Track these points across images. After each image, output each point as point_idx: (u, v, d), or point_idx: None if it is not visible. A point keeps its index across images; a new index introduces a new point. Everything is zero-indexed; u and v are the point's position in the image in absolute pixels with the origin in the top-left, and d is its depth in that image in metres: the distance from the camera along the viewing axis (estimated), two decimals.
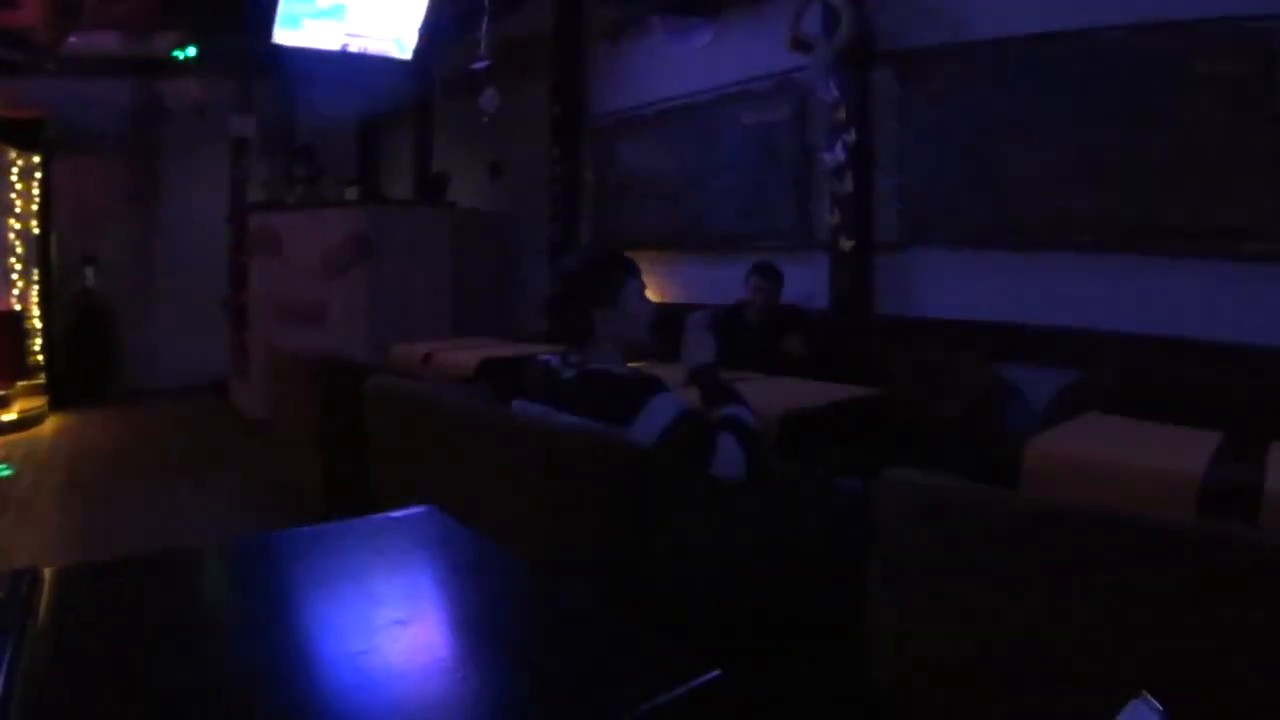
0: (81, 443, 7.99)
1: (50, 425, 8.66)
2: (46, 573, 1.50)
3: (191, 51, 9.74)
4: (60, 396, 9.43)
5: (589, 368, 2.72)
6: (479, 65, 6.88)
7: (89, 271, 10.45)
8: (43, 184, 9.85)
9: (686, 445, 2.51)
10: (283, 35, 8.06)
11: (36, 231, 9.75)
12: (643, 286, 2.88)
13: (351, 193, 8.80)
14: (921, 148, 5.89)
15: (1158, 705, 1.08)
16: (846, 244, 6.15)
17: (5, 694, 1.09)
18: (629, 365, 2.85)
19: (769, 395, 3.63)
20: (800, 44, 6.10)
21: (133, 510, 5.93)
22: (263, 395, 7.67)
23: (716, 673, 1.21)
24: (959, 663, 1.97)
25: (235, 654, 1.33)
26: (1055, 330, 5.23)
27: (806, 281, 6.35)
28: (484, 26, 6.81)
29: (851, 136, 6.10)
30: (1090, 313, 5.11)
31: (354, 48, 8.50)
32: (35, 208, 9.76)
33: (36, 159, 9.76)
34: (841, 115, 6.14)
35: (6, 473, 6.58)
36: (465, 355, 5.28)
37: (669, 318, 2.98)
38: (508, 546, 1.73)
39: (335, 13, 8.24)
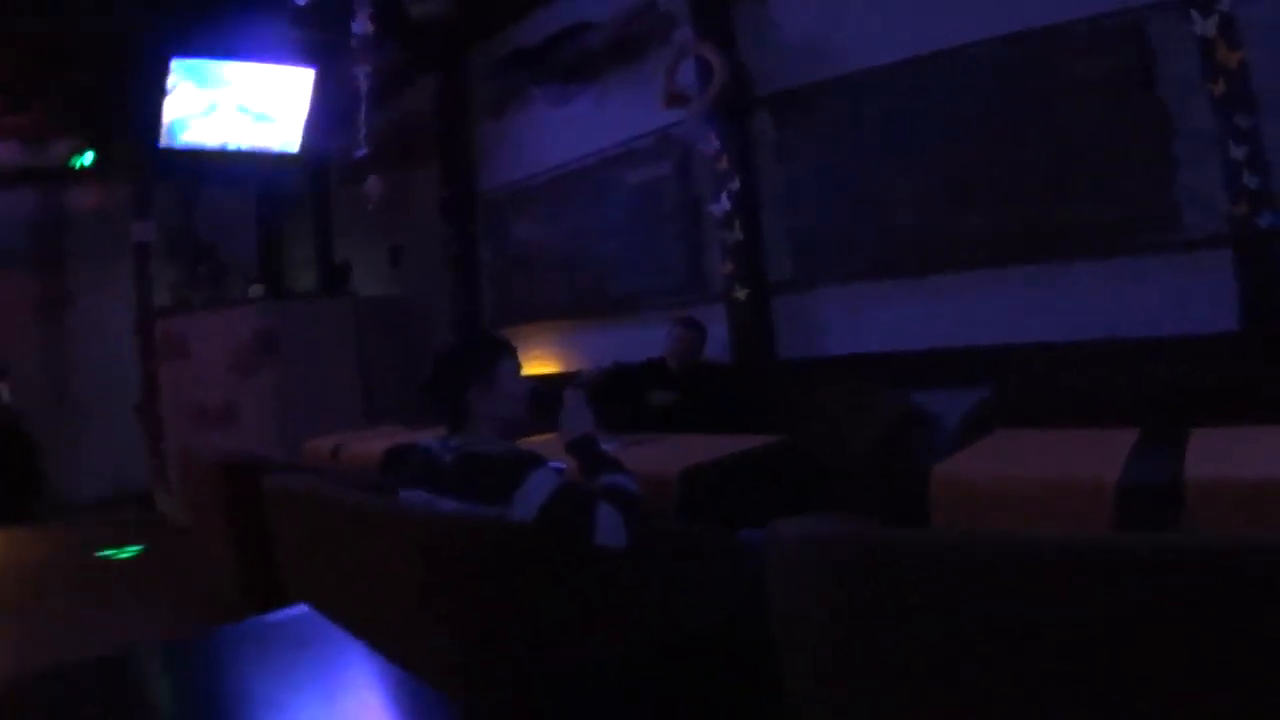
0: (8, 560, 7.78)
1: None
2: None
3: (88, 158, 9.63)
4: None
5: (466, 450, 2.68)
6: (359, 154, 6.87)
7: (3, 387, 10.15)
8: None
9: (566, 518, 2.47)
10: (171, 138, 8.06)
11: None
12: (518, 366, 2.88)
13: (256, 290, 8.72)
14: (806, 187, 5.94)
15: None
16: (741, 292, 6.16)
17: None
18: (510, 442, 2.82)
19: (669, 454, 3.61)
20: (676, 99, 6.13)
21: (56, 627, 5.74)
22: (183, 501, 7.55)
23: None
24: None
25: None
26: (961, 351, 5.26)
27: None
28: (361, 115, 6.80)
29: (736, 184, 6.14)
30: (994, 328, 5.14)
31: (243, 145, 8.51)
32: None
33: None
34: (724, 164, 6.18)
35: None
36: (373, 445, 5.24)
37: (547, 397, 2.97)
38: (401, 637, 1.68)
39: (221, 112, 8.26)
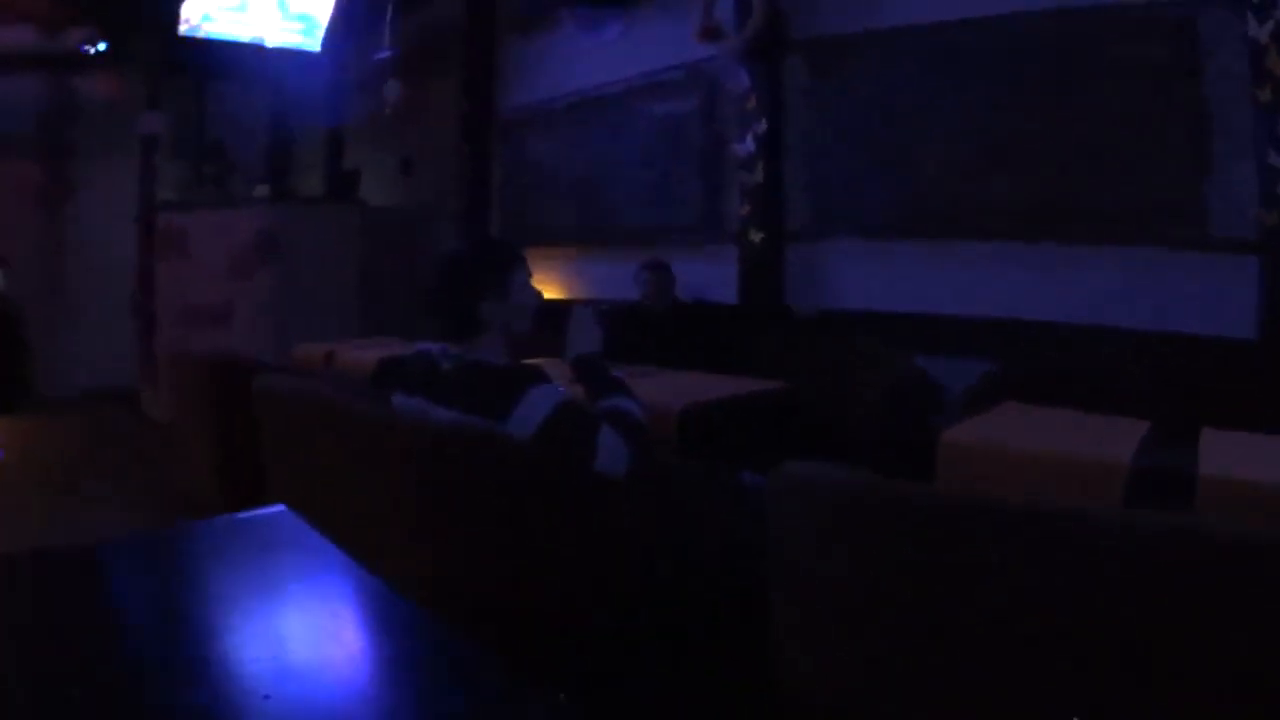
0: None
1: None
2: None
3: (102, 46, 9.43)
4: None
5: (466, 359, 2.58)
6: (383, 55, 6.74)
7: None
8: None
9: (565, 439, 2.37)
10: (190, 29, 7.89)
11: None
12: (529, 275, 2.76)
13: (261, 191, 8.60)
14: (834, 137, 5.82)
15: None
16: (756, 235, 6.08)
17: None
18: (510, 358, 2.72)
19: (669, 389, 3.53)
20: (711, 33, 6.03)
21: (29, 517, 5.73)
22: (169, 399, 7.50)
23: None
24: (868, 668, 1.82)
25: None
26: (971, 320, 5.18)
27: (716, 273, 6.28)
28: (388, 16, 6.67)
29: (762, 126, 6.03)
30: (1007, 302, 5.07)
31: (262, 40, 8.36)
32: None
33: None
34: (752, 105, 6.07)
35: None
36: (367, 354, 5.15)
37: (556, 313, 2.87)
38: (381, 548, 1.61)
39: (242, 5, 8.09)
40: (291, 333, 7.13)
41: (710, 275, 6.28)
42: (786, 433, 3.93)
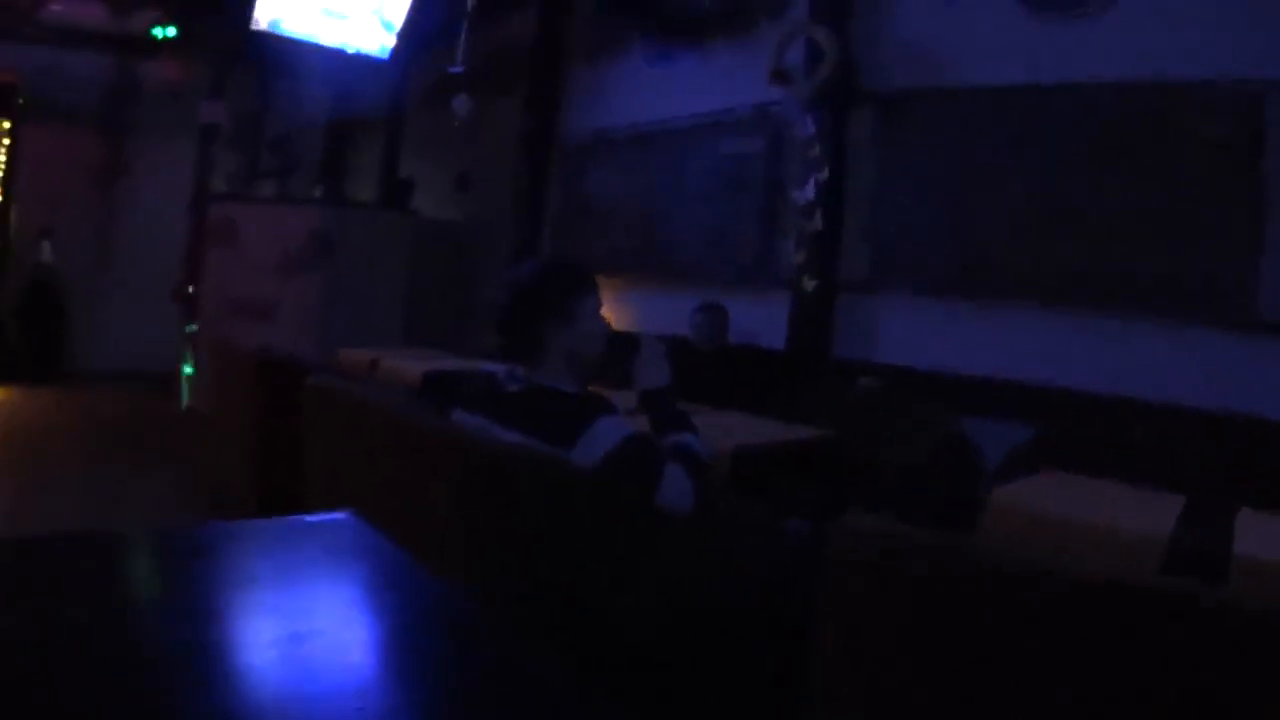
0: (21, 419, 7.87)
1: None
2: None
3: (171, 31, 9.59)
4: (5, 370, 9.28)
5: (535, 383, 2.57)
6: (454, 70, 6.80)
7: (45, 246, 10.12)
8: (9, 151, 9.70)
9: (632, 472, 2.36)
10: (264, 21, 7.94)
11: None
12: (599, 303, 2.72)
13: (318, 191, 8.68)
14: (894, 191, 5.87)
15: None
16: (810, 283, 6.09)
17: None
18: (581, 384, 2.71)
19: (722, 428, 3.52)
20: (781, 77, 6.05)
21: (63, 494, 5.78)
22: (209, 389, 7.54)
23: None
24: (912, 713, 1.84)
25: (106, 650, 1.16)
26: (1016, 384, 5.21)
27: (765, 318, 6.30)
28: (463, 32, 6.72)
29: (824, 174, 6.04)
30: (1054, 368, 5.11)
31: (334, 42, 8.39)
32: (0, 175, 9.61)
33: (6, 125, 9.64)
34: (816, 152, 6.07)
35: None
36: (412, 365, 5.16)
37: (624, 344, 2.86)
38: (435, 561, 1.60)
39: (318, 4, 8.16)
40: (335, 335, 7.18)
41: (760, 319, 6.29)
42: (829, 482, 3.92)
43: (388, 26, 8.52)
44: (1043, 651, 1.68)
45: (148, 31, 9.71)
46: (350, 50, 8.49)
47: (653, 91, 7.60)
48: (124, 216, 10.74)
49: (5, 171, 9.66)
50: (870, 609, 1.92)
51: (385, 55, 8.71)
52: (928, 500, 4.22)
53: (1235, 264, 4.53)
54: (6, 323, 9.80)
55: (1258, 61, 4.51)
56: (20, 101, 9.69)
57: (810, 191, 6.07)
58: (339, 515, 1.80)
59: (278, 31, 8.05)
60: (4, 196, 9.66)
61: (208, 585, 1.47)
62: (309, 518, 1.81)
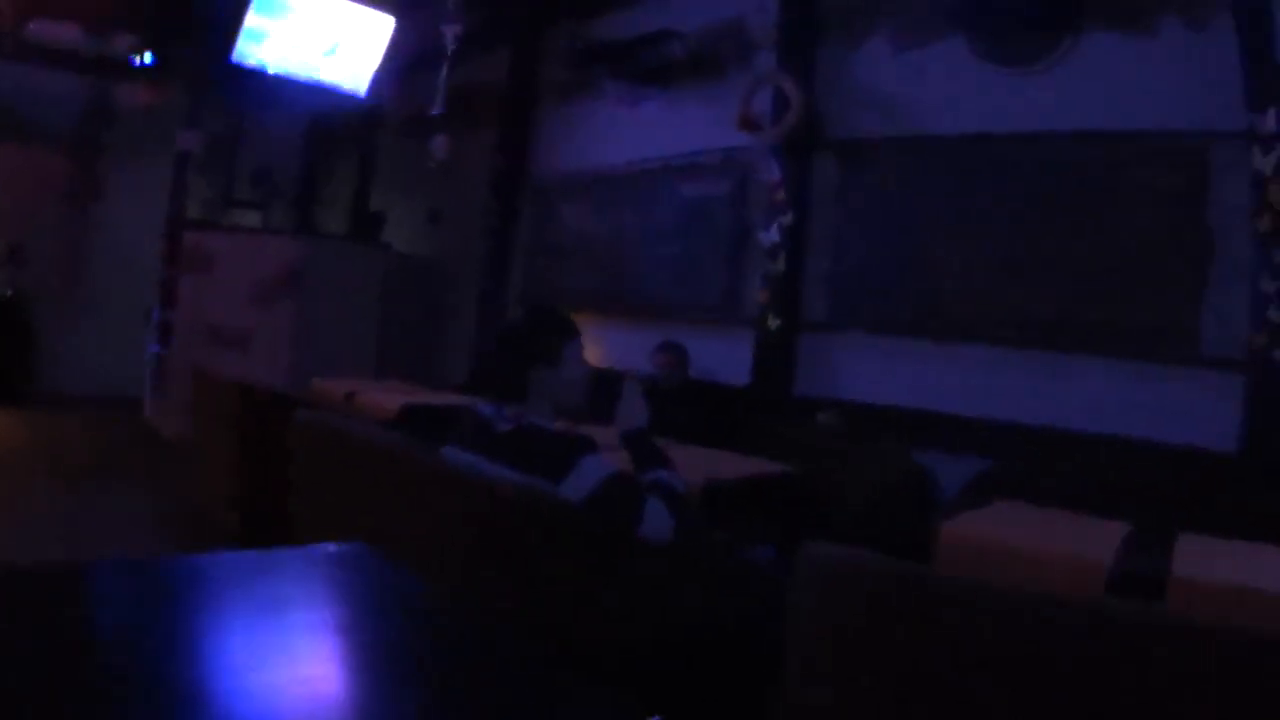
0: None
1: None
2: None
3: (149, 58, 9.62)
4: None
5: (524, 422, 2.76)
6: (435, 112, 6.96)
7: (9, 267, 10.10)
8: None
9: (615, 506, 2.56)
10: (243, 52, 8.07)
11: None
12: (583, 348, 2.94)
13: (292, 221, 8.83)
14: (855, 234, 6.08)
15: None
16: (773, 322, 6.30)
17: None
18: (566, 423, 2.90)
19: (692, 464, 3.70)
20: (749, 124, 6.27)
21: (36, 517, 5.73)
22: (180, 414, 7.59)
23: (656, 718, 1.20)
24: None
25: (142, 672, 1.26)
26: (969, 420, 5.41)
27: (729, 355, 6.48)
28: (442, 74, 6.89)
29: (788, 218, 6.27)
30: (1006, 404, 5.31)
31: (310, 77, 8.53)
32: None
33: None
34: (781, 196, 6.32)
35: None
36: (387, 398, 5.31)
37: (606, 384, 3.05)
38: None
39: (294, 38, 8.29)
40: (306, 365, 7.31)
41: (724, 355, 6.48)
42: (792, 513, 4.11)
43: (364, 63, 8.67)
44: (991, 665, 1.84)
45: (123, 55, 9.71)
46: (328, 85, 8.64)
47: (622, 134, 7.79)
48: (95, 238, 10.72)
49: None
50: (829, 627, 2.09)
51: (362, 92, 8.87)
52: (885, 530, 4.40)
53: (1179, 305, 4.77)
54: None
55: (1202, 115, 4.75)
56: None
57: (775, 234, 6.31)
58: (352, 546, 1.94)
59: (256, 65, 8.19)
60: None
61: (255, 611, 1.60)
62: (328, 547, 1.92)
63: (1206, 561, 2.69)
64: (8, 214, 10.04)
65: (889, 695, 1.96)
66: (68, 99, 10.43)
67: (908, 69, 6.01)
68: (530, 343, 2.87)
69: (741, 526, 3.52)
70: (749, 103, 6.27)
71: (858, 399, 5.97)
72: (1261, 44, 4.54)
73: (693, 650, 2.69)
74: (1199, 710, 1.67)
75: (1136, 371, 4.92)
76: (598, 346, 7.47)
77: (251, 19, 7.94)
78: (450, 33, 6.67)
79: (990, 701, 1.83)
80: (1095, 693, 1.73)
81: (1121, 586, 2.51)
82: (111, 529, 5.67)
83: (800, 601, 2.13)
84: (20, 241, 10.16)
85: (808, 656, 2.11)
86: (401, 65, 8.80)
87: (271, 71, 8.34)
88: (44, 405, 9.69)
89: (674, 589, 2.77)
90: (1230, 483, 4.48)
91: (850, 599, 2.07)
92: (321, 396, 5.70)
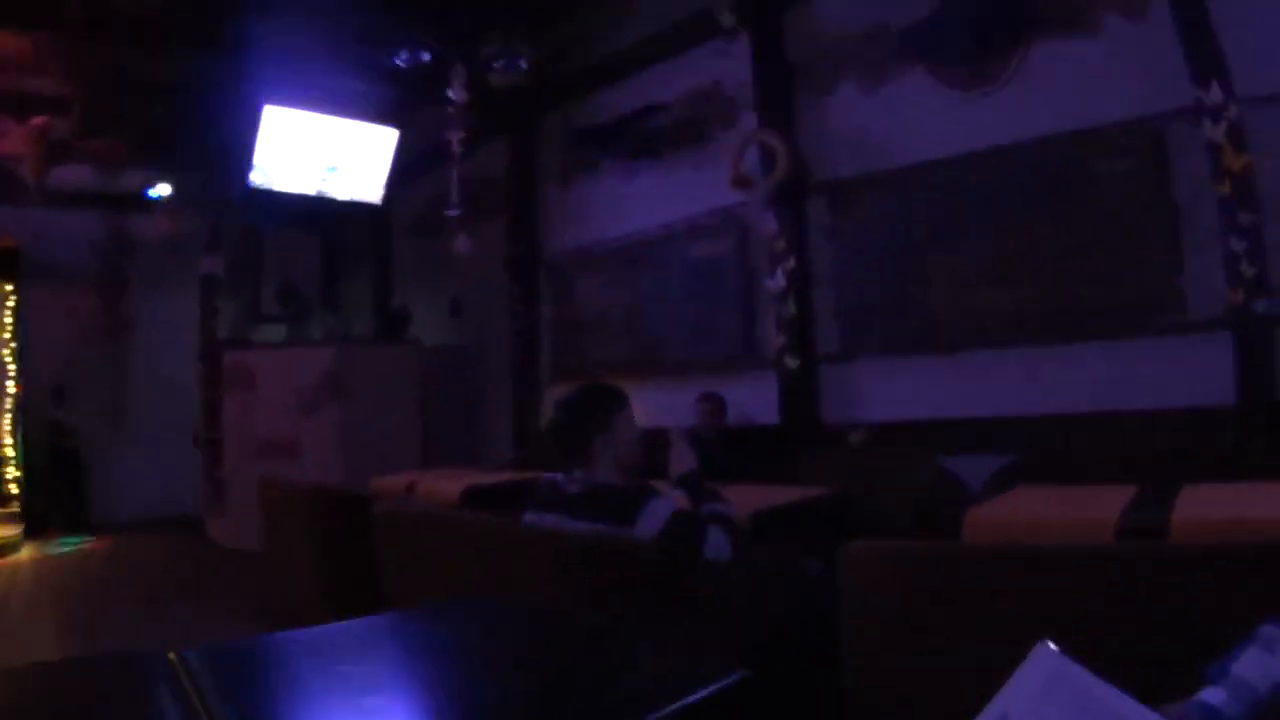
0: (62, 570, 8.02)
1: (26, 554, 8.73)
2: None
3: (166, 190, 10.13)
4: (34, 526, 9.51)
5: (592, 482, 3.18)
6: (452, 213, 7.32)
7: (59, 403, 10.49)
8: (15, 313, 9.98)
9: (682, 537, 2.97)
10: (256, 177, 8.35)
11: (10, 362, 9.90)
12: (632, 415, 3.38)
13: (323, 331, 9.19)
14: (854, 267, 6.49)
15: (1055, 648, 1.30)
16: (792, 361, 6.69)
17: None
18: (628, 477, 3.31)
19: (740, 498, 4.07)
20: (741, 181, 6.69)
21: (128, 639, 5.72)
22: (243, 526, 7.94)
23: (743, 673, 1.42)
24: (932, 696, 2.23)
25: None
26: (985, 420, 5.76)
27: (757, 397, 6.85)
28: (453, 178, 7.27)
29: (791, 263, 6.68)
30: (1016, 400, 5.66)
31: (324, 193, 8.84)
32: (7, 336, 9.91)
33: (9, 288, 9.93)
34: (781, 244, 6.73)
35: None
36: (446, 484, 5.61)
37: (658, 441, 3.46)
38: None
39: (305, 161, 8.59)
40: (356, 465, 7.71)
41: (752, 398, 6.86)
42: (837, 529, 4.44)
43: (374, 173, 9.02)
44: (1022, 613, 2.12)
45: (137, 190, 10.24)
46: (343, 199, 9.01)
47: (624, 207, 8.20)
48: (132, 368, 11.16)
49: (14, 333, 9.94)
50: (877, 610, 2.42)
51: (376, 200, 9.22)
52: (921, 533, 4.73)
53: (1159, 279, 5.12)
54: (31, 479, 9.94)
55: (1154, 98, 5.12)
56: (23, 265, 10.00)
57: (781, 279, 6.71)
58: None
59: (270, 188, 8.50)
60: (15, 358, 9.95)
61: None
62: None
63: (1206, 505, 2.98)
64: (48, 356, 10.39)
65: (939, 659, 2.26)
66: (88, 237, 10.91)
67: (879, 107, 6.40)
68: (587, 415, 3.29)
69: (790, 546, 3.89)
70: (738, 161, 6.69)
71: (880, 418, 6.32)
72: (1197, 22, 4.89)
73: (758, 647, 3.06)
74: (1204, 624, 1.82)
75: (1131, 348, 5.24)
76: (637, 408, 7.83)
77: (263, 147, 8.25)
78: (455, 138, 7.08)
79: (1029, 643, 2.07)
80: (1117, 621, 2.01)
81: (1129, 538, 2.77)
82: (204, 636, 5.65)
83: (851, 591, 2.46)
84: (63, 382, 10.53)
85: (864, 639, 2.43)
86: (409, 168, 9.16)
87: (286, 191, 8.62)
88: (107, 532, 9.89)
89: (735, 599, 3.14)
90: (1232, 432, 4.80)
91: (892, 582, 2.40)
92: (384, 490, 5.97)
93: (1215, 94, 4.83)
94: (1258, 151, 4.78)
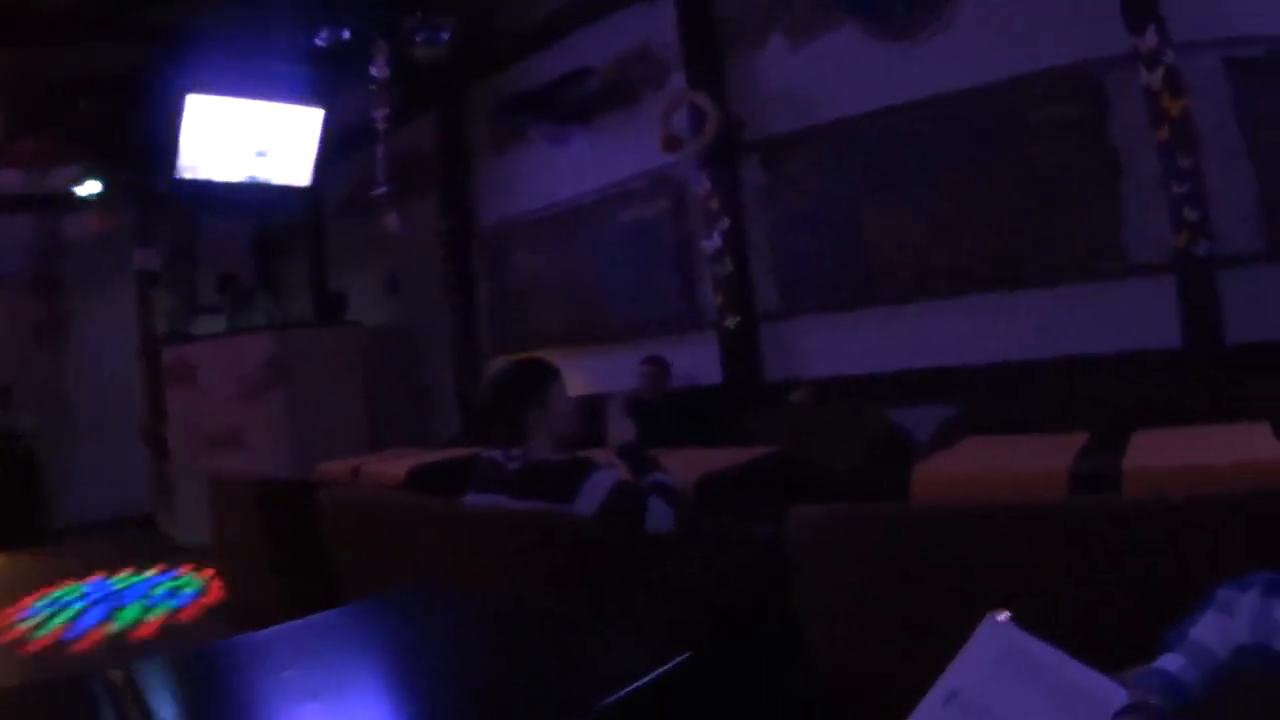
0: (19, 580, 7.86)
1: None
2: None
3: (96, 188, 9.88)
4: None
5: (530, 459, 3.14)
6: (379, 191, 7.25)
7: (24, 417, 10.32)
8: None
9: (623, 510, 2.94)
10: (183, 172, 8.25)
11: None
12: (564, 386, 3.34)
13: (261, 318, 9.09)
14: (791, 225, 6.46)
15: (1004, 619, 1.35)
16: (731, 320, 6.67)
17: None
18: (566, 451, 3.28)
19: (684, 464, 4.05)
20: (671, 142, 6.62)
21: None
22: (195, 521, 7.76)
23: (687, 655, 1.45)
24: (890, 660, 2.21)
25: None
26: (930, 371, 5.78)
27: (698, 358, 6.85)
28: (380, 155, 7.19)
29: (726, 223, 6.64)
30: (959, 351, 5.68)
31: (252, 178, 8.72)
32: None
33: None
34: (715, 204, 6.69)
35: None
36: (391, 465, 5.49)
37: (593, 411, 3.42)
38: None
39: (231, 147, 8.47)
40: (305, 450, 7.57)
41: (694, 360, 6.84)
42: (783, 490, 4.42)
43: (302, 156, 8.91)
44: (975, 573, 2.12)
45: (66, 188, 9.97)
46: (274, 184, 8.89)
47: (556, 174, 8.12)
48: (72, 367, 10.94)
49: None
50: (829, 574, 2.42)
51: (305, 182, 9.10)
52: (870, 488, 4.72)
53: (1101, 224, 5.13)
54: None
55: (1089, 45, 5.11)
56: None
57: (716, 239, 6.68)
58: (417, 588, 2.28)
59: (201, 179, 8.39)
60: None
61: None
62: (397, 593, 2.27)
63: (1156, 451, 2.95)
64: None
65: (893, 619, 2.27)
66: (18, 239, 10.68)
67: (809, 61, 6.35)
68: (518, 389, 3.25)
69: (738, 509, 3.87)
70: (668, 123, 6.61)
71: (824, 374, 6.32)
72: None
73: (711, 619, 3.04)
74: (1156, 574, 1.93)
75: (1075, 293, 5.25)
76: (577, 377, 7.79)
77: (188, 137, 8.12)
78: (380, 115, 6.99)
79: (983, 604, 1.95)
80: (1071, 579, 2.02)
81: (1082, 488, 2.73)
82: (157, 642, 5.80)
83: (801, 558, 2.46)
84: (8, 384, 10.35)
85: (816, 606, 2.43)
86: (337, 148, 9.05)
87: (216, 181, 8.52)
88: (62, 538, 9.78)
89: (683, 572, 3.12)
90: (1179, 375, 4.85)
91: (841, 546, 2.40)
92: (330, 476, 5.90)
93: (1150, 40, 4.82)
94: (1196, 97, 4.79)
